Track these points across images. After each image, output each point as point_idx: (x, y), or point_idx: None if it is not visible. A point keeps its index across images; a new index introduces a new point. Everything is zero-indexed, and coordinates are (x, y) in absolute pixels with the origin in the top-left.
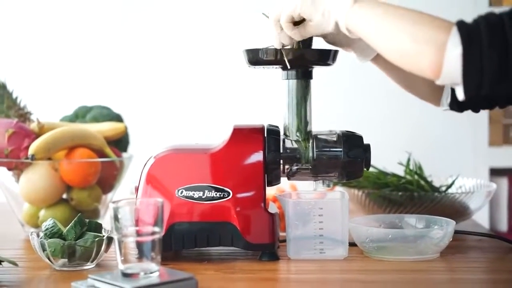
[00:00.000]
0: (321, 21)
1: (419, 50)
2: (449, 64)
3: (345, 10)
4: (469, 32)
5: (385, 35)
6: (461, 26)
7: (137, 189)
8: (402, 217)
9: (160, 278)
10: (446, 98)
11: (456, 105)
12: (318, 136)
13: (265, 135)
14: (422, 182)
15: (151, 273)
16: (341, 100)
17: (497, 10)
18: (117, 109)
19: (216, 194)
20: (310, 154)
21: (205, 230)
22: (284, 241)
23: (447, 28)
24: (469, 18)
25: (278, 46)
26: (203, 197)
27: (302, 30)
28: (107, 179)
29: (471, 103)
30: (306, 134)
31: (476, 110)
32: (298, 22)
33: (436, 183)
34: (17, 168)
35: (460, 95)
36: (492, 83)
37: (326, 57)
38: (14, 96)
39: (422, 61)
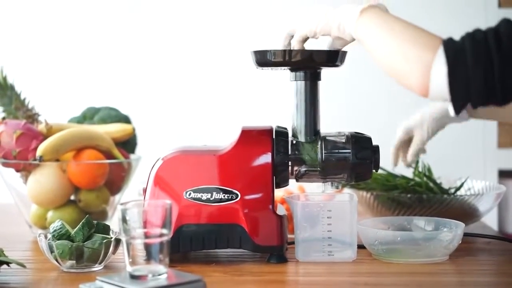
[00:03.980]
0: (338, 34)
1: (407, 69)
2: (436, 83)
3: (353, 23)
4: (454, 51)
5: (380, 51)
6: (447, 45)
7: (145, 190)
8: (411, 220)
9: (168, 280)
10: None
11: None
12: (327, 138)
13: (274, 137)
14: (431, 184)
15: (159, 275)
16: (349, 102)
17: (507, 12)
18: (125, 111)
19: (224, 196)
20: (319, 156)
21: (213, 232)
22: (293, 243)
23: (435, 47)
24: (479, 20)
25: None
26: (211, 199)
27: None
28: (115, 180)
29: None
30: (314, 136)
31: None
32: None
33: (445, 185)
34: (25, 169)
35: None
36: (479, 100)
37: (334, 58)
38: (22, 97)
39: (411, 80)
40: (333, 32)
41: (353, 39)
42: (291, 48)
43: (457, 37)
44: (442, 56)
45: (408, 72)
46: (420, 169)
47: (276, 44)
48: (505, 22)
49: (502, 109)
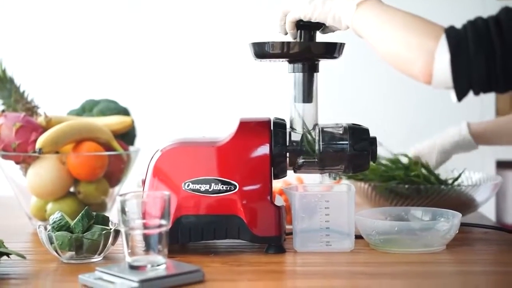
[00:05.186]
0: (333, 24)
1: (410, 57)
2: (439, 71)
3: (351, 15)
4: (456, 39)
5: (382, 41)
6: (450, 33)
7: (144, 182)
8: (409, 210)
9: (167, 270)
10: None
11: None
12: (324, 129)
13: (272, 128)
14: (429, 175)
15: (158, 265)
16: (348, 93)
17: (504, 3)
18: (124, 103)
19: (222, 187)
20: (317, 147)
21: (212, 223)
22: (291, 233)
23: (437, 35)
24: (476, 11)
25: (282, 33)
26: (209, 190)
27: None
28: (114, 172)
29: None
30: (312, 127)
31: None
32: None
33: (443, 176)
34: (25, 161)
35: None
36: (481, 87)
37: (332, 50)
38: (21, 90)
39: (414, 68)
40: (328, 21)
41: (348, 28)
42: (281, 28)
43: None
44: (445, 44)
45: (411, 60)
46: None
47: (272, 24)
48: (505, 10)
49: (507, 134)
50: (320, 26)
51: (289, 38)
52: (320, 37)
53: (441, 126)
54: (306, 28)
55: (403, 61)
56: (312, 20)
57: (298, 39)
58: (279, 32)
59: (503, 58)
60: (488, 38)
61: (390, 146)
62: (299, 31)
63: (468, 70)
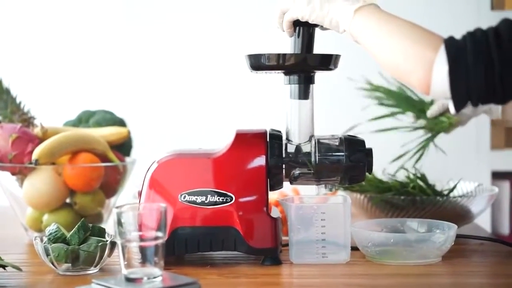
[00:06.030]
0: (330, 27)
1: (409, 67)
2: (437, 82)
3: (348, 21)
4: (455, 50)
5: (380, 49)
6: (449, 44)
7: (140, 193)
8: (404, 221)
9: (163, 283)
10: None
11: None
12: (321, 141)
13: (268, 140)
14: (424, 186)
15: (155, 277)
16: (343, 104)
17: (499, 14)
18: (120, 114)
19: (218, 198)
20: (313, 159)
21: (208, 234)
22: (287, 245)
23: (436, 46)
24: (472, 23)
25: (280, 30)
26: (206, 201)
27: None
28: (110, 183)
29: None
30: (308, 139)
31: None
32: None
33: (438, 187)
34: (21, 172)
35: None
36: (481, 98)
37: (327, 62)
38: (18, 101)
39: (412, 78)
40: (325, 24)
41: (344, 31)
42: (279, 25)
43: None
44: (444, 54)
45: (409, 70)
46: (412, 176)
47: (271, 22)
48: (505, 22)
49: None
50: (319, 24)
51: (287, 42)
52: (320, 36)
53: (441, 140)
54: (305, 25)
55: (402, 70)
56: (310, 22)
57: (296, 37)
58: (277, 28)
59: (501, 69)
60: (487, 49)
61: (389, 157)
62: (297, 28)
63: (467, 81)
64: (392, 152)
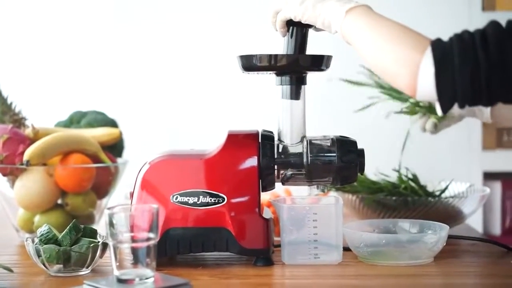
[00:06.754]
0: (323, 28)
1: (396, 69)
2: (423, 84)
3: (340, 21)
4: (442, 52)
5: (368, 50)
6: (435, 46)
7: (132, 194)
8: (396, 222)
9: (155, 284)
10: None
11: None
12: (312, 141)
13: (260, 141)
14: (416, 187)
15: (146, 279)
16: (334, 105)
17: (490, 15)
18: (112, 114)
19: (210, 199)
20: (304, 159)
21: (200, 235)
22: (279, 246)
23: (423, 48)
24: (462, 24)
25: (274, 29)
26: (197, 202)
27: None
28: (102, 184)
29: None
30: (300, 139)
31: None
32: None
33: (430, 188)
34: (12, 173)
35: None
36: (467, 100)
37: (319, 63)
38: (9, 101)
39: (399, 80)
40: (317, 25)
41: (336, 32)
42: (272, 25)
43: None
44: (430, 56)
45: (396, 72)
46: (404, 175)
47: (264, 22)
48: (492, 24)
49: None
50: (312, 25)
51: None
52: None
53: (429, 137)
54: (298, 25)
55: (389, 72)
56: (302, 22)
57: (289, 37)
58: (271, 27)
59: (488, 71)
60: (473, 51)
61: (382, 158)
62: (290, 28)
63: (453, 83)
64: (384, 152)
